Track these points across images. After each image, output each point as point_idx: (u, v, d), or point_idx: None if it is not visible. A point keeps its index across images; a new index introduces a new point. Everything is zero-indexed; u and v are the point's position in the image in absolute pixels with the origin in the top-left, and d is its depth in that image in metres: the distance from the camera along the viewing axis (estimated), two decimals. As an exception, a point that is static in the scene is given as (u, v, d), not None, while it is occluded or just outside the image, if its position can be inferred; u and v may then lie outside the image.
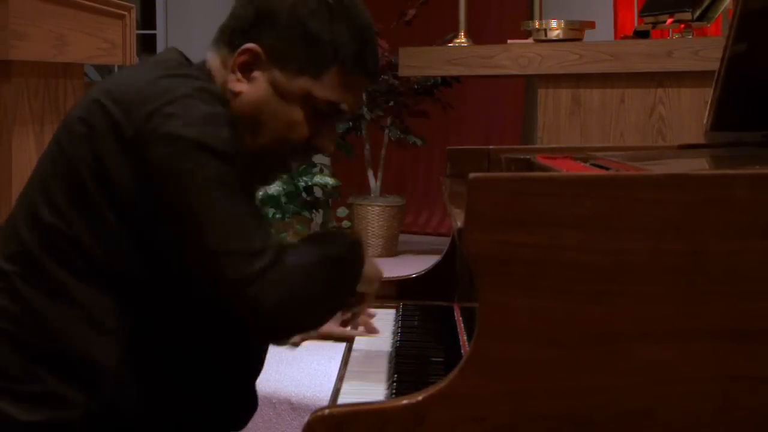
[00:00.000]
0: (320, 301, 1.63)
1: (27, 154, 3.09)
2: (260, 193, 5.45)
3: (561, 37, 4.56)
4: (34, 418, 1.60)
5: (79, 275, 1.62)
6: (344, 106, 1.72)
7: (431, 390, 1.27)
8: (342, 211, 6.27)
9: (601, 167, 1.71)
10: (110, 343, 1.61)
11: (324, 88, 1.70)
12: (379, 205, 6.25)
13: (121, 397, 1.61)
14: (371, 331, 1.99)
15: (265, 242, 1.56)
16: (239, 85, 1.71)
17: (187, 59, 1.78)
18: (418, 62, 4.87)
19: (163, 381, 1.65)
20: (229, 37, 1.74)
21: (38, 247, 1.64)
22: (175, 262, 1.60)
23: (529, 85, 6.84)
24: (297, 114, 1.71)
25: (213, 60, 1.76)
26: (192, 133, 1.57)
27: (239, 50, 1.71)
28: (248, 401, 1.81)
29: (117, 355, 1.61)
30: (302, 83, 1.69)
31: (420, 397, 1.27)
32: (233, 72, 1.71)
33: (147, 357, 1.63)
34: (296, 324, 1.64)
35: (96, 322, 1.61)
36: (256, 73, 1.71)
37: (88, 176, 1.62)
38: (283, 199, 6.09)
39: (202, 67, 1.77)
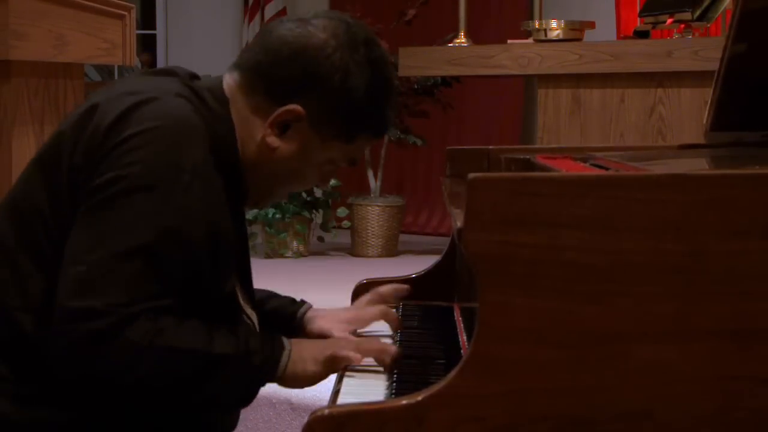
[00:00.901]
0: (159, 390, 1.56)
1: (27, 154, 3.09)
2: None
3: (561, 37, 4.56)
4: (25, 416, 1.60)
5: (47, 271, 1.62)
6: (357, 160, 1.80)
7: (431, 390, 1.27)
8: (342, 211, 6.27)
9: (601, 167, 1.71)
10: None
11: (351, 151, 1.76)
12: (379, 205, 6.26)
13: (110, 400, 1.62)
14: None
15: (116, 300, 1.50)
16: (275, 142, 1.71)
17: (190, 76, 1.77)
18: (418, 62, 4.87)
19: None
20: (270, 86, 1.71)
21: (14, 236, 1.65)
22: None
23: (529, 85, 6.84)
24: (314, 173, 1.77)
25: (238, 96, 1.73)
26: (151, 163, 1.56)
27: (283, 109, 1.70)
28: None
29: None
30: (333, 149, 1.74)
31: (420, 397, 1.27)
32: (270, 127, 1.71)
33: None
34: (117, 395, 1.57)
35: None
36: (291, 132, 1.71)
37: (64, 175, 1.62)
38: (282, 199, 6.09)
39: (217, 91, 1.73)
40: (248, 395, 1.63)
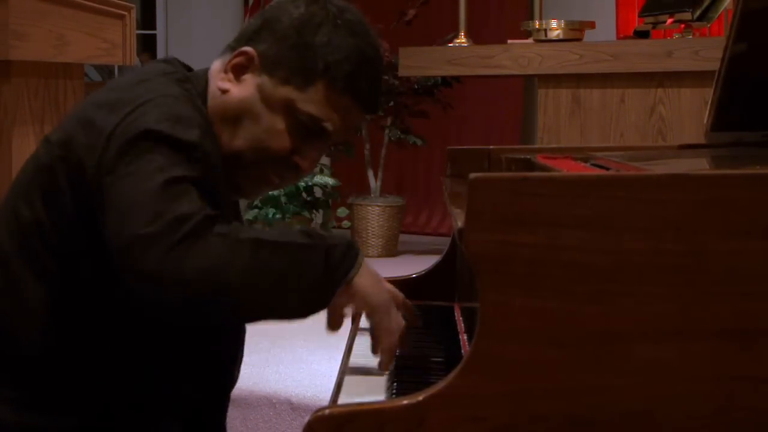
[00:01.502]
0: (255, 287, 1.46)
1: (27, 154, 3.08)
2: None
3: (561, 37, 4.56)
4: (21, 421, 1.60)
5: (45, 282, 1.61)
6: (328, 125, 1.68)
7: (431, 390, 1.27)
8: (342, 211, 6.27)
9: (601, 167, 1.71)
10: (82, 357, 1.61)
11: (308, 102, 1.67)
12: (379, 205, 6.26)
13: (97, 409, 1.61)
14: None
15: (189, 211, 1.45)
16: (226, 84, 1.71)
17: (184, 67, 1.78)
18: (418, 62, 4.87)
19: (138, 396, 1.65)
20: (236, 43, 1.75)
21: (11, 244, 1.64)
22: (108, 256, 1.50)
23: (529, 85, 6.84)
24: (278, 123, 1.68)
25: (215, 65, 1.76)
26: (155, 126, 1.54)
27: (236, 52, 1.72)
28: (220, 415, 1.80)
29: (86, 368, 1.61)
30: (287, 92, 1.67)
31: (420, 397, 1.27)
32: (225, 72, 1.72)
33: (119, 371, 1.63)
34: (213, 306, 1.47)
35: (67, 337, 1.61)
36: (247, 76, 1.70)
37: (61, 172, 1.61)
38: (283, 199, 6.09)
39: (200, 74, 1.76)
40: (330, 291, 1.51)
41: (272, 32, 1.70)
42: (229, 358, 1.80)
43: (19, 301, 1.62)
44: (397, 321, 1.58)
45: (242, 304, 1.48)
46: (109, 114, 1.59)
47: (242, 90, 1.70)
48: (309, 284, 1.49)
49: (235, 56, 1.71)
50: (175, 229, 1.43)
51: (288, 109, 1.67)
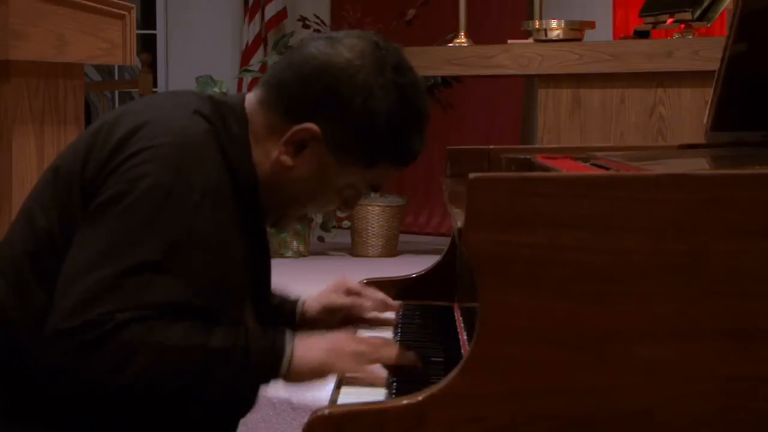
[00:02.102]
0: (152, 391, 1.49)
1: (27, 153, 3.09)
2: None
3: (561, 37, 4.56)
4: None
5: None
6: (380, 188, 1.75)
7: (431, 390, 1.27)
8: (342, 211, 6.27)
9: (601, 167, 1.71)
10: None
11: (371, 177, 1.70)
12: (379, 205, 6.25)
13: (108, 410, 1.60)
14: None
15: (109, 309, 1.47)
16: (288, 160, 1.66)
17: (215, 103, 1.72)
18: (418, 62, 4.83)
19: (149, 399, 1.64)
20: (289, 103, 1.66)
21: (25, 252, 1.63)
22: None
23: (529, 85, 6.84)
24: (333, 196, 1.71)
25: (258, 113, 1.68)
26: (161, 177, 1.53)
27: (298, 127, 1.64)
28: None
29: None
30: (352, 174, 1.68)
31: (420, 397, 1.27)
32: (285, 145, 1.65)
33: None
34: (121, 400, 1.51)
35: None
36: (307, 152, 1.66)
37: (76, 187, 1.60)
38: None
39: (238, 110, 1.69)
40: (250, 395, 1.55)
41: (337, 108, 1.63)
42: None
43: (26, 307, 1.61)
44: (364, 349, 1.60)
45: (141, 407, 1.52)
46: (118, 147, 1.57)
47: (305, 168, 1.66)
48: (225, 389, 1.51)
49: (297, 131, 1.64)
50: (85, 332, 1.47)
51: (349, 186, 1.70)
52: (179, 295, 1.50)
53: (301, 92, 1.65)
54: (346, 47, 1.65)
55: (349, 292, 1.95)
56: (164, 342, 1.48)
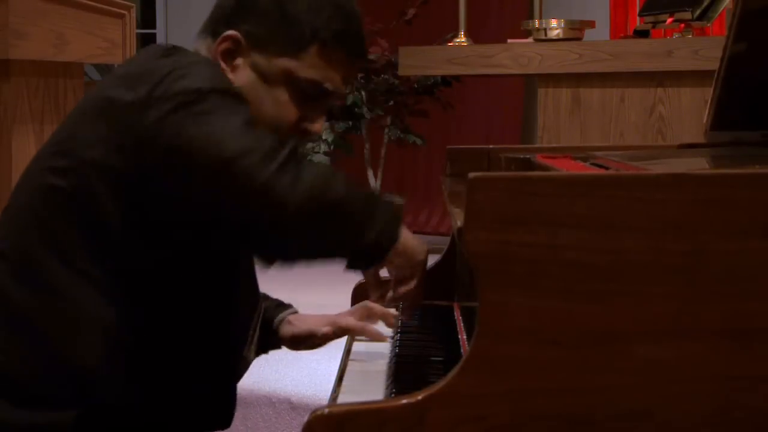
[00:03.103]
0: (335, 216, 1.53)
1: (27, 152, 3.09)
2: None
3: (561, 36, 4.56)
4: (24, 418, 1.60)
5: (71, 266, 1.60)
6: (328, 85, 1.73)
7: (431, 389, 1.27)
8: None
9: (601, 167, 1.71)
10: (95, 343, 1.60)
11: (305, 68, 1.72)
12: (378, 205, 6.25)
13: (109, 396, 1.60)
14: (389, 325, 1.97)
15: (277, 142, 1.52)
16: (226, 74, 1.72)
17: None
18: (418, 62, 4.87)
19: (148, 380, 1.64)
20: (213, 26, 1.77)
21: (35, 234, 1.62)
22: (197, 208, 1.54)
23: (529, 84, 6.85)
24: (282, 95, 1.72)
25: (201, 49, 1.78)
26: (204, 84, 1.57)
27: (220, 38, 1.73)
28: (229, 401, 1.81)
29: (101, 355, 1.60)
30: (283, 63, 1.71)
31: (420, 397, 1.27)
32: (215, 60, 1.73)
33: (131, 356, 1.62)
34: (312, 230, 1.53)
35: (81, 321, 1.60)
36: (239, 61, 1.73)
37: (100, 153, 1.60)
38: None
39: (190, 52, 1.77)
40: (395, 233, 1.61)
41: (251, 11, 1.73)
42: (239, 341, 1.80)
43: (41, 290, 1.61)
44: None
45: (340, 224, 1.54)
46: (136, 86, 1.59)
47: (239, 76, 1.72)
48: (383, 219, 1.57)
49: (220, 42, 1.73)
50: (276, 152, 1.49)
51: (288, 80, 1.72)
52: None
53: (219, 12, 1.77)
54: None
55: (340, 330, 1.96)
56: (339, 172, 1.55)
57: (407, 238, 1.63)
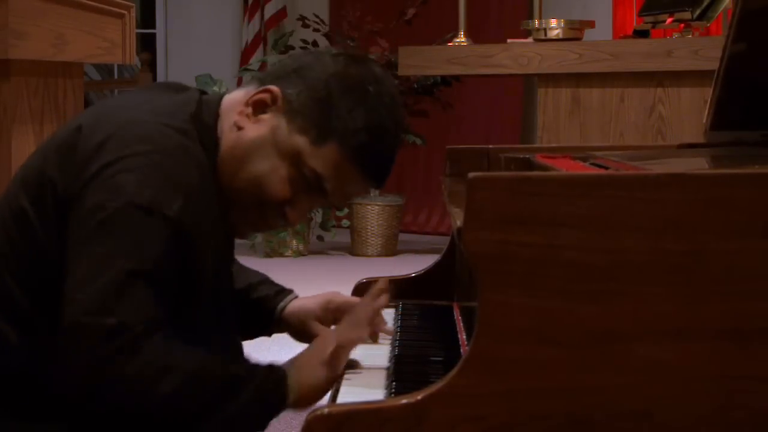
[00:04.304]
0: (175, 415, 1.51)
1: (26, 153, 3.08)
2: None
3: (561, 36, 4.56)
4: (18, 429, 1.60)
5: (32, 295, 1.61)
6: (328, 186, 1.66)
7: (430, 389, 1.27)
8: (341, 211, 6.27)
9: (600, 167, 1.71)
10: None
11: (316, 158, 1.65)
12: (378, 205, 6.26)
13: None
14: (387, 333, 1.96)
15: (133, 319, 1.47)
16: (243, 121, 1.68)
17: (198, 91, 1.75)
18: (417, 61, 4.87)
19: None
20: (265, 77, 1.72)
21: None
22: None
23: (528, 84, 6.85)
24: (282, 170, 1.66)
25: (237, 94, 1.73)
26: (136, 197, 1.52)
27: (262, 87, 1.69)
28: None
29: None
30: (299, 142, 1.65)
31: (419, 397, 1.27)
32: (246, 105, 1.69)
33: None
34: (131, 419, 1.51)
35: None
36: (266, 116, 1.68)
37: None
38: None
39: (212, 102, 1.72)
40: (256, 425, 1.60)
41: (304, 79, 1.68)
42: (226, 352, 1.79)
43: (8, 306, 1.61)
44: (346, 343, 1.64)
45: (163, 423, 1.52)
46: (97, 152, 1.57)
47: (257, 129, 1.67)
48: (235, 420, 1.53)
49: (260, 92, 1.68)
50: (114, 337, 1.46)
51: (295, 159, 1.66)
52: (167, 306, 1.53)
53: (279, 68, 1.73)
54: (331, 54, 1.72)
55: (338, 311, 1.93)
56: (189, 365, 1.51)
57: (302, 395, 1.59)
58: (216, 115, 1.71)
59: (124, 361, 1.47)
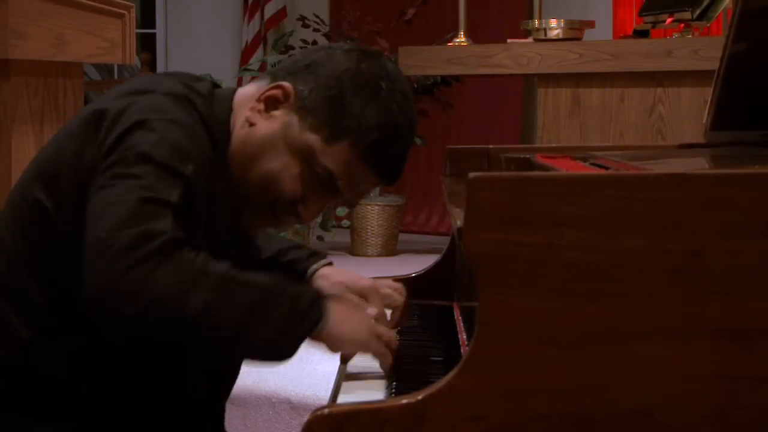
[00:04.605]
0: (213, 321, 1.44)
1: (26, 152, 3.09)
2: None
3: (561, 36, 4.56)
4: (23, 429, 1.60)
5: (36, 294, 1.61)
6: (340, 184, 1.65)
7: (431, 389, 1.27)
8: (341, 211, 6.27)
9: (600, 167, 1.71)
10: (65, 361, 1.60)
11: (329, 156, 1.64)
12: (378, 204, 6.25)
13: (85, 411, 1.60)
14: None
15: (161, 229, 1.44)
16: (255, 117, 1.67)
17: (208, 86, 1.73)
18: (417, 61, 4.87)
19: (123, 397, 1.63)
20: (277, 72, 1.71)
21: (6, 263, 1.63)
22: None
23: (528, 84, 6.85)
24: (294, 168, 1.65)
25: (249, 89, 1.73)
26: (152, 150, 1.52)
27: (274, 84, 1.68)
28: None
29: (71, 372, 1.60)
30: (311, 140, 1.64)
31: (419, 397, 1.27)
32: (258, 101, 1.68)
33: (102, 375, 1.61)
34: (165, 331, 1.45)
35: (51, 342, 1.60)
36: (278, 112, 1.67)
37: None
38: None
39: (224, 96, 1.72)
40: (291, 342, 1.49)
41: (316, 76, 1.66)
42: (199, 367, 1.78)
43: (22, 302, 1.61)
44: (384, 339, 1.58)
45: (197, 336, 1.46)
46: (115, 123, 1.58)
47: (268, 126, 1.66)
48: (271, 330, 1.46)
49: (272, 88, 1.67)
50: (142, 244, 1.41)
51: (307, 157, 1.65)
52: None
53: (291, 64, 1.71)
54: (343, 49, 1.70)
55: (360, 294, 1.87)
56: (225, 272, 1.46)
57: (336, 325, 1.52)
58: (229, 110, 1.70)
59: (153, 267, 1.41)
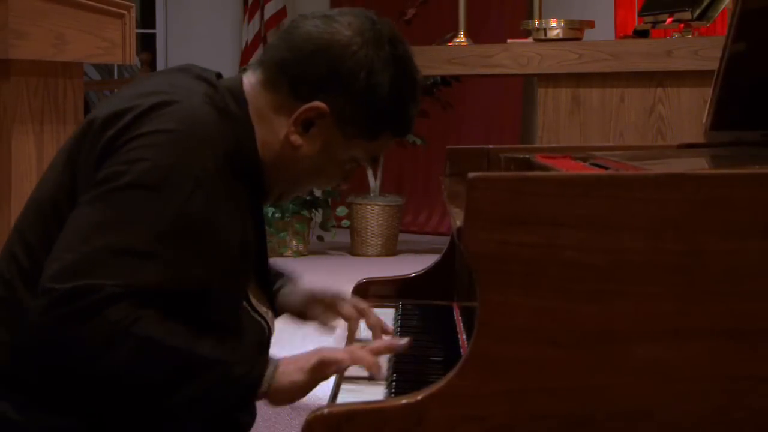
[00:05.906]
0: (128, 381, 1.52)
1: (26, 152, 3.09)
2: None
3: (561, 36, 4.56)
4: (32, 422, 1.60)
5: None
6: (379, 158, 1.78)
7: (430, 389, 1.27)
8: (341, 210, 6.27)
9: (600, 167, 1.71)
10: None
11: (373, 148, 1.74)
12: (378, 205, 6.25)
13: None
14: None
15: (98, 285, 1.49)
16: (298, 139, 1.69)
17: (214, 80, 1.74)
18: (417, 61, 4.86)
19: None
20: (294, 83, 1.68)
21: (16, 274, 1.64)
22: None
23: (528, 84, 6.84)
24: (337, 171, 1.75)
25: (260, 94, 1.70)
26: (146, 170, 1.55)
27: (307, 106, 1.67)
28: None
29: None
30: (356, 147, 1.71)
31: (419, 397, 1.27)
32: (294, 125, 1.68)
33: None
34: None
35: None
36: (314, 130, 1.69)
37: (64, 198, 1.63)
38: (282, 199, 6.06)
39: (236, 91, 1.70)
40: (225, 406, 1.57)
41: (343, 85, 1.67)
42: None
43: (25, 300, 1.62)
44: (354, 354, 1.60)
45: (120, 391, 1.55)
46: (124, 123, 1.59)
47: (313, 145, 1.69)
48: (199, 394, 1.53)
49: (306, 110, 1.67)
50: (75, 299, 1.48)
51: (354, 159, 1.74)
52: (164, 284, 1.52)
53: (305, 71, 1.68)
54: (344, 25, 1.70)
55: (330, 301, 1.94)
56: (152, 336, 1.50)
57: (280, 390, 1.56)
58: (245, 102, 1.69)
59: (76, 324, 1.48)
